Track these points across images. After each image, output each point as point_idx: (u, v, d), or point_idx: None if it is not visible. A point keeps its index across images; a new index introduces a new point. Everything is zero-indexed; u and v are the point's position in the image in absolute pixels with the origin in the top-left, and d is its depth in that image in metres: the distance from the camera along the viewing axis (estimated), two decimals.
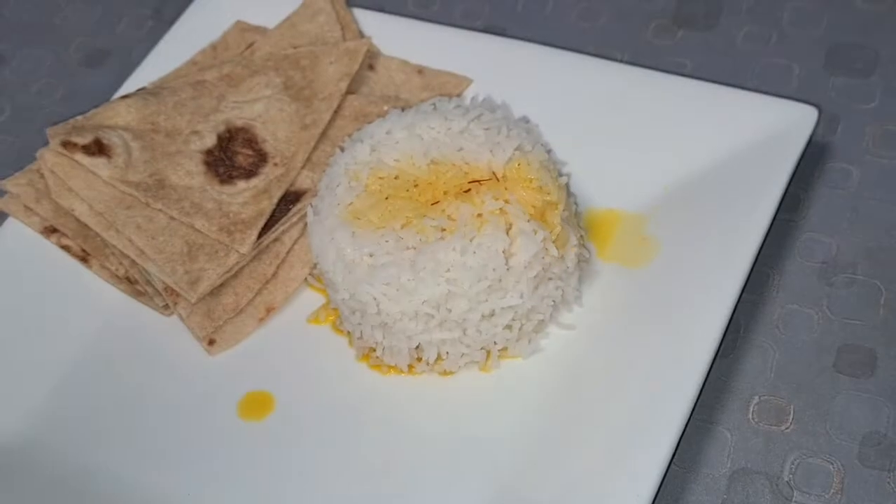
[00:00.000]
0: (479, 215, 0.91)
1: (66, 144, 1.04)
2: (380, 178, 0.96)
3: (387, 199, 0.94)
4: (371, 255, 0.91)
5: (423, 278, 0.89)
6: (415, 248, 0.90)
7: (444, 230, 0.91)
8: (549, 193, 0.95)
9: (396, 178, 0.96)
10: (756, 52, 1.18)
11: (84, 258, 1.05)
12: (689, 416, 0.84)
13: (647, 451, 0.83)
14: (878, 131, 1.09)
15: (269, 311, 1.02)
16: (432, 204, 0.93)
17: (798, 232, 1.03)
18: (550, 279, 0.95)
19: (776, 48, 1.18)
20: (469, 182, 0.94)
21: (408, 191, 0.95)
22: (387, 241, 0.91)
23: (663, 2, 1.26)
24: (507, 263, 0.90)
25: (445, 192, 0.94)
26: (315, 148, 1.07)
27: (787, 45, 1.18)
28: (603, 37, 1.24)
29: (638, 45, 1.22)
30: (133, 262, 1.03)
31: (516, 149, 0.96)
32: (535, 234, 0.91)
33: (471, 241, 0.89)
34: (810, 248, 1.01)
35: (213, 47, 1.19)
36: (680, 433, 0.83)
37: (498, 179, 0.94)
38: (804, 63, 1.16)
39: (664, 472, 0.82)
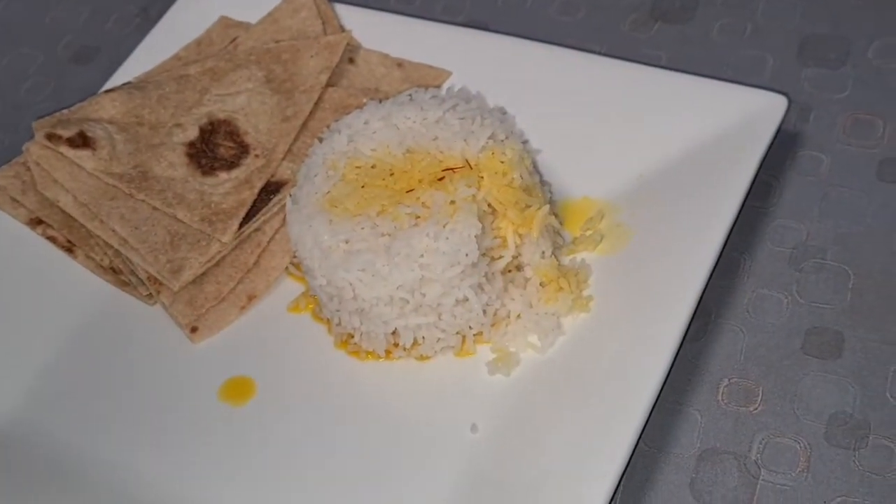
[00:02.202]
0: (452, 202, 0.93)
1: (51, 137, 1.07)
2: (357, 167, 0.98)
3: (363, 187, 0.96)
4: (347, 242, 0.93)
5: (398, 264, 0.91)
6: (390, 235, 0.92)
7: (418, 217, 0.93)
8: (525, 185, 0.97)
9: (373, 167, 0.98)
10: (731, 44, 1.20)
11: (69, 249, 1.07)
12: (656, 396, 0.86)
13: (616, 430, 0.85)
14: (848, 120, 1.10)
15: (251, 299, 1.04)
16: (407, 192, 0.95)
17: (769, 218, 1.04)
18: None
19: (750, 40, 1.20)
20: (443, 170, 0.96)
21: (384, 179, 0.97)
22: (362, 228, 0.93)
23: None
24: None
25: (420, 181, 0.96)
26: (296, 139, 1.10)
27: (761, 37, 1.20)
28: (582, 30, 1.26)
29: (616, 38, 1.24)
30: (117, 252, 1.05)
31: (489, 137, 0.98)
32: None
33: (444, 227, 0.91)
34: (781, 234, 1.03)
35: (198, 43, 1.21)
36: (647, 414, 0.85)
37: (471, 167, 0.96)
38: (778, 54, 1.18)
39: (631, 451, 0.83)
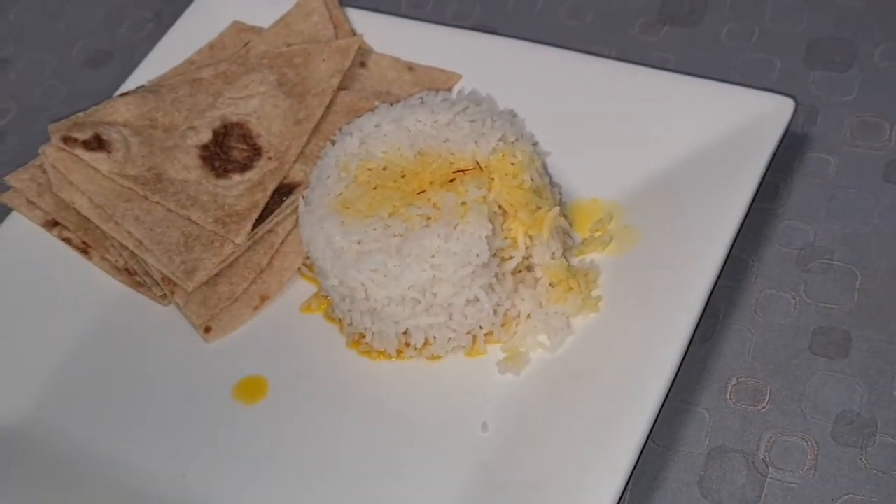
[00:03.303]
0: (463, 203, 0.94)
1: (67, 140, 1.08)
2: (368, 169, 1.00)
3: (375, 189, 0.98)
4: (359, 243, 0.94)
5: (409, 264, 0.92)
6: (401, 236, 0.93)
7: (429, 218, 0.94)
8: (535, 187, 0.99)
9: (384, 169, 0.99)
10: (739, 48, 1.21)
11: (85, 250, 1.08)
12: (665, 395, 0.87)
13: (624, 428, 0.86)
14: (855, 122, 1.11)
15: (264, 299, 1.05)
16: (418, 193, 0.96)
17: (777, 220, 1.05)
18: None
19: (758, 43, 1.21)
20: (454, 172, 0.97)
21: (395, 181, 0.98)
22: (374, 229, 0.94)
23: None
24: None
25: (431, 182, 0.97)
26: (308, 142, 1.11)
27: (768, 41, 1.21)
28: (590, 34, 1.27)
29: (624, 42, 1.25)
30: (132, 253, 1.06)
31: (500, 139, 0.99)
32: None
33: (454, 227, 0.92)
34: (789, 235, 1.04)
35: (211, 47, 1.23)
36: (656, 412, 0.86)
37: (482, 169, 0.97)
38: (785, 57, 1.19)
39: (640, 448, 0.84)
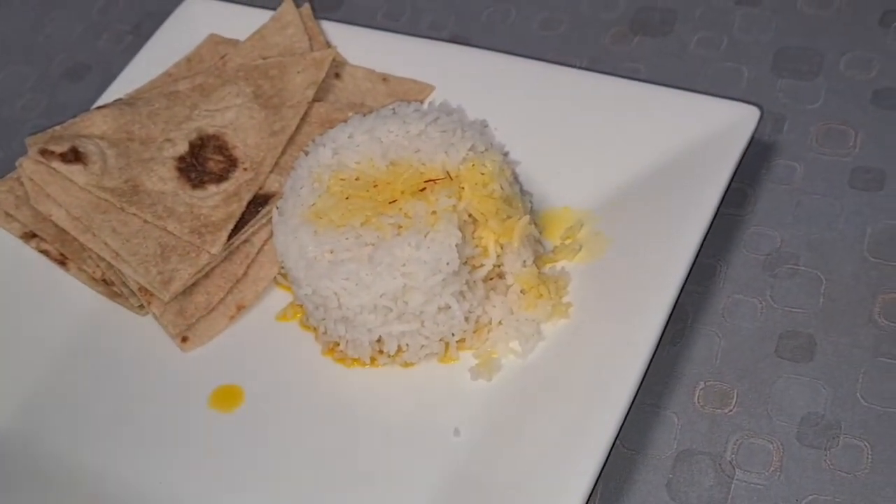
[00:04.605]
0: (434, 212, 0.95)
1: (44, 153, 1.10)
2: (341, 179, 1.01)
3: (347, 199, 0.99)
4: (331, 252, 0.96)
5: (380, 272, 0.94)
6: (373, 245, 0.95)
7: (400, 227, 0.95)
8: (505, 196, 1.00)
9: (357, 179, 1.01)
10: (708, 57, 1.23)
11: (62, 262, 1.10)
12: (633, 399, 0.88)
13: (593, 432, 0.87)
14: (821, 130, 1.13)
15: (240, 309, 1.07)
16: (390, 203, 0.98)
17: (745, 226, 1.07)
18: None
19: (727, 52, 1.23)
20: (425, 181, 0.98)
21: (367, 191, 0.99)
22: (346, 239, 0.96)
23: (621, 10, 1.31)
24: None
25: (402, 192, 0.98)
26: (283, 153, 1.12)
27: (737, 50, 1.23)
28: (563, 44, 1.29)
29: (596, 52, 1.27)
30: (109, 264, 1.07)
31: (470, 149, 1.00)
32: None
33: (425, 236, 0.94)
34: (756, 241, 1.06)
35: (188, 59, 1.24)
36: (624, 416, 0.87)
37: (452, 178, 0.98)
38: (753, 66, 1.21)
39: (608, 453, 0.86)
